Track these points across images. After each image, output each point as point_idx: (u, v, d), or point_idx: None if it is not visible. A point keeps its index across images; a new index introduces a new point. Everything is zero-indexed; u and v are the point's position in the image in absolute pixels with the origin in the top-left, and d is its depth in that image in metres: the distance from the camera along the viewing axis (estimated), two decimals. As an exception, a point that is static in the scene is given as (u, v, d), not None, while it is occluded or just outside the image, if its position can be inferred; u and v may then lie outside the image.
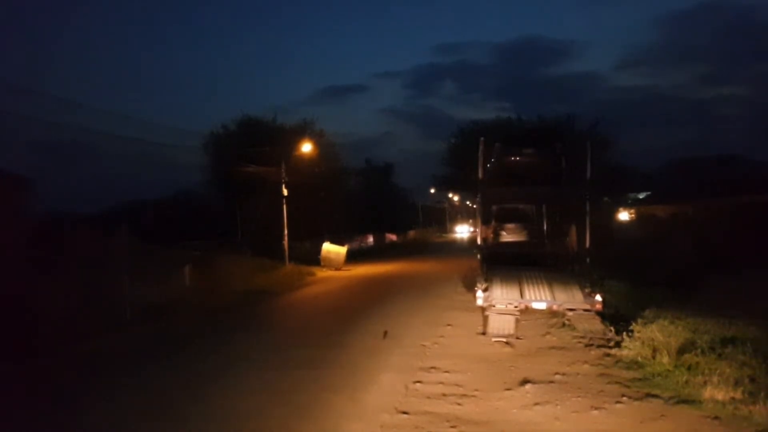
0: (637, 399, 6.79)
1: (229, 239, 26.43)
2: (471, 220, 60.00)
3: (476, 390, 7.33)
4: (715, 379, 6.82)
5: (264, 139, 27.94)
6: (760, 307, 10.75)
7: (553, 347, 9.65)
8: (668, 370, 7.64)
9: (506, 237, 17.63)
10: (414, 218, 67.84)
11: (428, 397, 7.10)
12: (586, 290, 10.80)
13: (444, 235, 77.25)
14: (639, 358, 8.32)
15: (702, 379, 6.96)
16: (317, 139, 31.70)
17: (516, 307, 10.81)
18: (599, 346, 9.35)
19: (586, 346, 9.53)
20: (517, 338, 10.18)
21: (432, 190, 67.49)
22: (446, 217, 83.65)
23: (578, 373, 7.97)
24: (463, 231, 70.07)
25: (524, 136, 27.41)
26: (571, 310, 10.68)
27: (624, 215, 38.51)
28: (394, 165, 60.45)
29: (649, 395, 6.89)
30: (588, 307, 10.50)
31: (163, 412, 6.83)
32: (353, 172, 44.53)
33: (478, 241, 14.74)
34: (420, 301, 15.54)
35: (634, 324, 9.66)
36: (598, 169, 16.38)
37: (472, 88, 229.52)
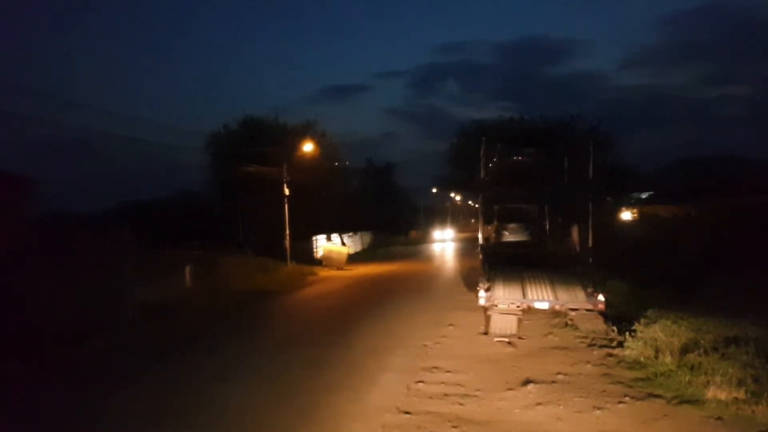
0: (639, 399, 6.77)
1: (231, 239, 26.46)
2: (473, 221, 48.01)
3: (478, 390, 7.31)
4: (717, 379, 6.78)
5: (266, 139, 27.95)
6: (762, 307, 10.69)
7: (555, 347, 9.62)
8: (671, 370, 7.61)
9: (508, 237, 17.61)
10: (416, 218, 67.72)
11: (430, 397, 7.09)
12: (589, 290, 10.77)
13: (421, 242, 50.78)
14: (641, 358, 8.29)
15: (705, 379, 6.93)
16: (319, 139, 31.71)
17: (518, 306, 10.78)
18: (602, 346, 9.33)
19: (589, 346, 9.51)
20: (520, 338, 10.14)
21: (434, 190, 67.42)
22: (448, 216, 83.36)
23: (581, 373, 7.95)
24: (445, 236, 52.76)
25: (526, 136, 27.34)
26: (573, 310, 10.65)
27: (627, 215, 38.37)
28: (396, 165, 60.54)
29: (651, 395, 6.88)
30: (590, 307, 10.48)
31: (165, 413, 6.83)
32: (355, 172, 44.55)
33: (480, 240, 14.72)
34: (421, 301, 15.51)
35: (636, 324, 9.63)
36: (601, 169, 16.34)
37: (475, 88, 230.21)
